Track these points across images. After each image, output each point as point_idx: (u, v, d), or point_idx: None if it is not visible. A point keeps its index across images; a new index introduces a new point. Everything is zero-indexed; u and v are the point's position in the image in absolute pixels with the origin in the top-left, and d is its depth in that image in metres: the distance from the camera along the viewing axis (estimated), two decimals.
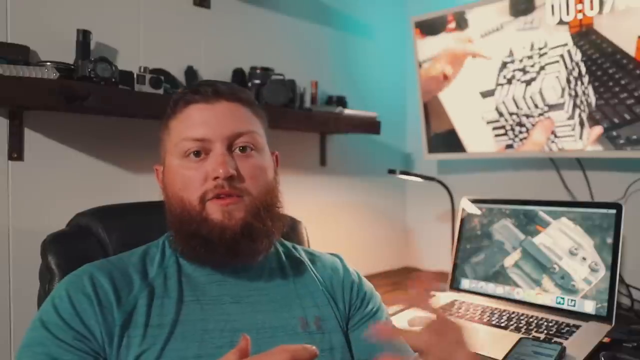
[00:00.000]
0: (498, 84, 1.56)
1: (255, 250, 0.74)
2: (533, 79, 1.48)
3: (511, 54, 1.52)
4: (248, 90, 0.82)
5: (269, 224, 0.74)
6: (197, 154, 0.72)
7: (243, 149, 0.74)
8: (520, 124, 1.54)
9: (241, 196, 0.72)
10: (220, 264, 0.74)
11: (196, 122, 0.73)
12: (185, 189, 0.72)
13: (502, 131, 1.60)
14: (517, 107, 1.53)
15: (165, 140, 0.77)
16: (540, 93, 1.47)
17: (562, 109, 1.44)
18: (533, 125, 1.51)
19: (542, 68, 1.46)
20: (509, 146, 1.59)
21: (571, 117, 1.42)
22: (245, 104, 0.77)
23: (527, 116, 1.52)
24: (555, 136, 1.47)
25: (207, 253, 0.71)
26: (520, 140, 1.56)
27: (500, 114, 1.58)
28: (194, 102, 0.74)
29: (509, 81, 1.54)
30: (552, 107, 1.46)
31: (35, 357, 0.61)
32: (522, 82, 1.51)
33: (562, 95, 1.43)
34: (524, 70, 1.50)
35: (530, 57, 1.48)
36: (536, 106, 1.49)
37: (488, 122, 1.62)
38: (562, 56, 1.41)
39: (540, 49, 1.45)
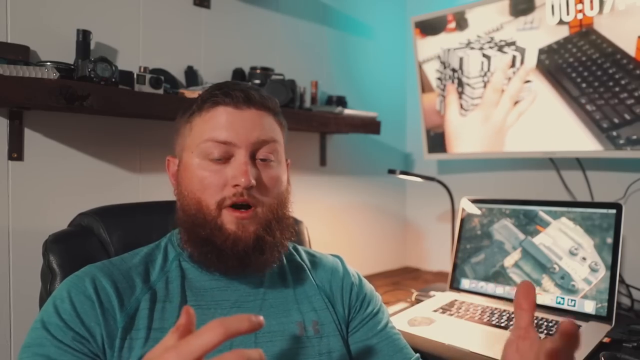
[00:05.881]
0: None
1: (265, 263, 0.74)
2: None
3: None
4: (275, 98, 0.81)
5: (279, 236, 0.74)
6: (218, 157, 0.72)
7: (264, 159, 0.74)
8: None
9: (255, 207, 0.72)
10: (229, 272, 0.74)
11: (222, 124, 0.72)
12: (203, 191, 0.71)
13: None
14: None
15: (186, 135, 0.76)
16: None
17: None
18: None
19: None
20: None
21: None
22: (272, 113, 0.77)
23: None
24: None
25: (219, 262, 0.71)
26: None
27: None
28: (223, 105, 0.73)
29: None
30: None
31: (34, 357, 0.61)
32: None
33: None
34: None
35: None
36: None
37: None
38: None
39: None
